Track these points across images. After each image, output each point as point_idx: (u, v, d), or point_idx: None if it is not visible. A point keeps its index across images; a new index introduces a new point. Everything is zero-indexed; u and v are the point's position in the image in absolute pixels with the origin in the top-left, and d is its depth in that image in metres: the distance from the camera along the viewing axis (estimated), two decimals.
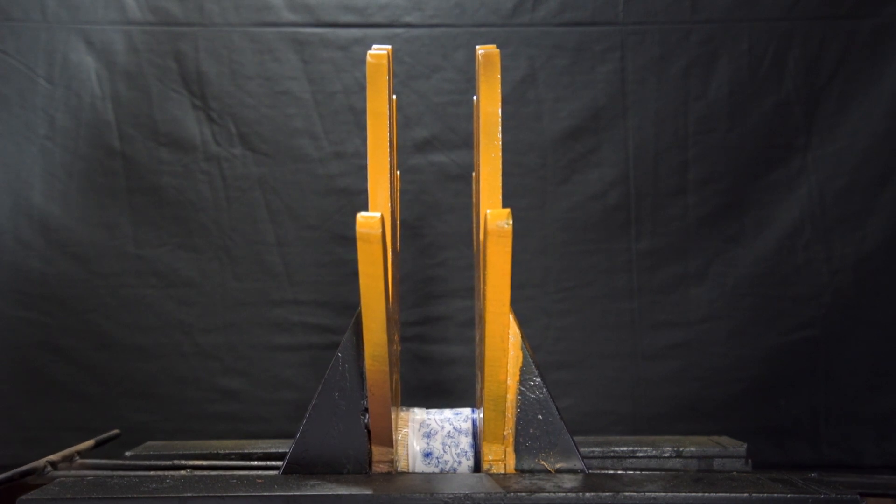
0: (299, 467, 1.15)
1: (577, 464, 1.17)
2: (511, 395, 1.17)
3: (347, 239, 2.09)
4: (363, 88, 2.10)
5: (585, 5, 2.10)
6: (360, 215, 0.96)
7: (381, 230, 0.96)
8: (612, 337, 2.09)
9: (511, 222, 0.98)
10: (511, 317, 1.18)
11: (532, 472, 1.16)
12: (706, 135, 2.09)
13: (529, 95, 2.10)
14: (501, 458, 1.17)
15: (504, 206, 2.07)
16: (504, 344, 1.07)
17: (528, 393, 1.18)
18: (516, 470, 1.17)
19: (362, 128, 2.10)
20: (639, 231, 2.09)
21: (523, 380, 1.19)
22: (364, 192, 2.08)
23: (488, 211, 0.99)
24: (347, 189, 2.09)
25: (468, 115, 2.09)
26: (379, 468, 1.16)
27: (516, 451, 1.17)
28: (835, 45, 2.07)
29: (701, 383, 2.07)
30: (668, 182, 2.09)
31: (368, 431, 1.15)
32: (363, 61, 2.09)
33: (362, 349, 1.14)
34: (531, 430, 1.17)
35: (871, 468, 2.02)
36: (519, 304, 2.07)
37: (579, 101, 2.10)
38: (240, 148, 2.09)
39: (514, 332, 1.19)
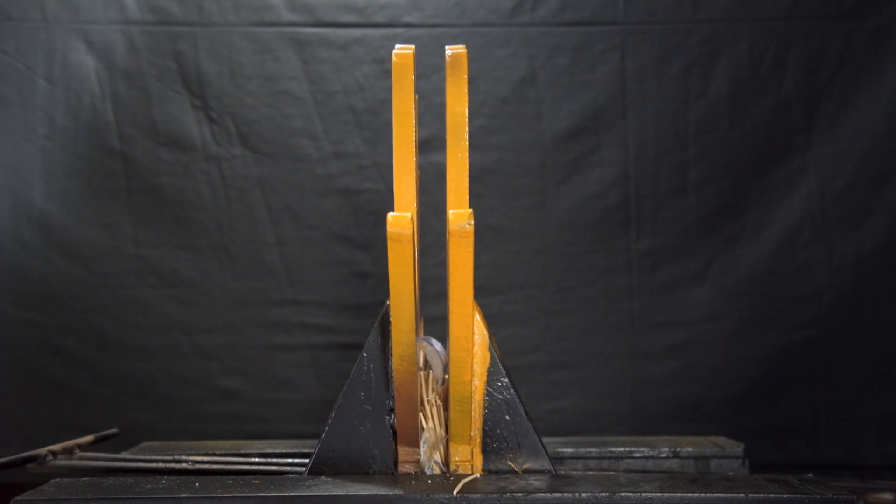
0: (325, 467, 1.15)
1: (545, 464, 1.17)
2: (478, 396, 1.17)
3: (347, 239, 2.09)
4: (363, 88, 2.10)
5: (585, 5, 2.10)
6: (391, 215, 0.96)
7: (411, 230, 0.97)
8: (612, 337, 2.09)
9: (472, 223, 0.98)
10: (478, 317, 1.18)
11: (499, 472, 1.16)
12: (706, 135, 2.09)
13: (529, 95, 2.10)
14: (468, 458, 1.17)
15: (504, 206, 2.09)
16: (468, 344, 1.07)
17: (495, 394, 1.18)
18: (483, 471, 1.17)
19: (362, 127, 2.09)
20: (639, 231, 2.09)
21: (491, 380, 1.19)
22: (364, 191, 2.09)
23: (451, 211, 1.00)
24: (347, 189, 2.09)
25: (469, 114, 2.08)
26: (405, 468, 1.16)
27: (483, 451, 1.17)
28: (835, 45, 2.07)
29: (701, 383, 2.07)
30: (668, 182, 2.09)
31: (394, 431, 1.15)
32: (363, 61, 2.09)
33: (388, 349, 1.13)
34: (498, 431, 1.17)
35: (871, 468, 2.02)
36: (519, 305, 2.08)
37: (579, 101, 2.10)
38: (239, 148, 2.09)
39: (480, 333, 1.19)
